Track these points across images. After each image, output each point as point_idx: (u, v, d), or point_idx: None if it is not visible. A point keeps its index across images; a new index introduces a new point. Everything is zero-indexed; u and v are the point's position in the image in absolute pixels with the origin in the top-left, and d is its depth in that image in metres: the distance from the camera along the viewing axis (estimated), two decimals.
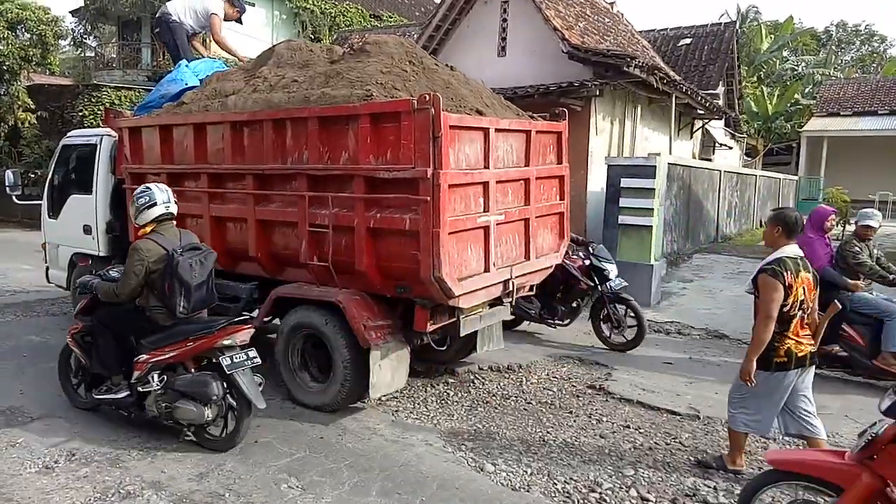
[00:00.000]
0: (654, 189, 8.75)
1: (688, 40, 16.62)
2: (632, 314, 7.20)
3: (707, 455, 4.54)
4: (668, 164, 9.71)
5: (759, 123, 28.02)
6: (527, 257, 5.42)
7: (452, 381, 6.09)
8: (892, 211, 21.25)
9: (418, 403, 5.50)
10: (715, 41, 16.40)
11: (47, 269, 8.06)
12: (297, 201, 5.01)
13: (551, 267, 5.91)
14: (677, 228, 11.33)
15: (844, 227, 15.82)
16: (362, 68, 4.95)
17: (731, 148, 20.04)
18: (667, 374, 6.47)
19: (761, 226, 18.05)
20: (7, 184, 7.66)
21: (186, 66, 6.58)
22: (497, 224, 4.93)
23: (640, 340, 7.11)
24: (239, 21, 7.90)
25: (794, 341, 3.93)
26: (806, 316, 3.97)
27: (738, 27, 17.75)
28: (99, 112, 17.23)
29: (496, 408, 5.45)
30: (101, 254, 7.06)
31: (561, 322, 7.31)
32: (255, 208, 5.29)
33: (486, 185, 4.79)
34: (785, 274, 3.82)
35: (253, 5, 21.95)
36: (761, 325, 3.88)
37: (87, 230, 7.15)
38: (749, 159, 24.67)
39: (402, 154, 4.38)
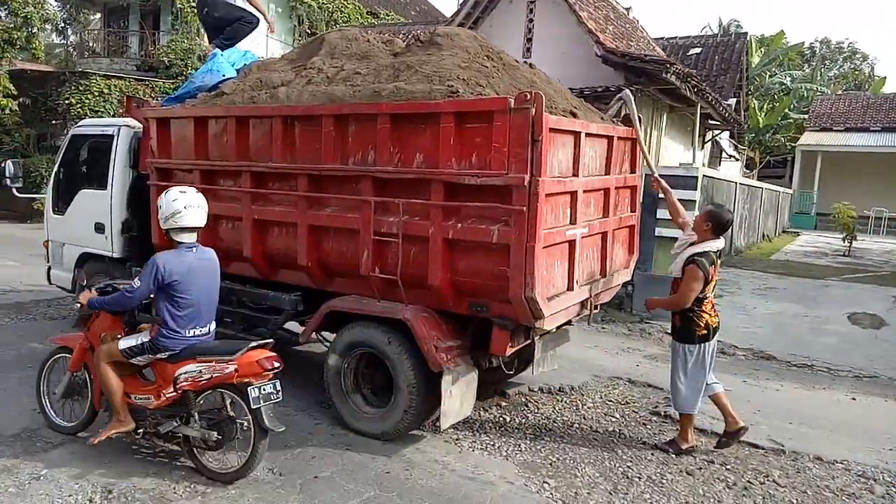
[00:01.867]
0: (694, 201, 8.41)
1: (698, 50, 16.43)
2: None
3: (660, 443, 4.83)
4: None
5: (752, 136, 28.13)
6: (603, 274, 4.99)
7: (505, 404, 5.63)
8: (889, 227, 21.37)
9: (476, 430, 5.03)
10: (726, 52, 16.22)
11: (49, 268, 7.39)
12: (359, 206, 4.50)
13: (619, 285, 5.49)
14: None
15: (851, 242, 15.79)
16: (437, 62, 4.47)
17: (737, 159, 19.95)
18: (729, 400, 6.08)
19: (766, 239, 17.97)
20: (7, 175, 7.00)
21: (221, 55, 6.01)
22: (581, 237, 4.49)
23: None
24: None
25: (708, 315, 4.61)
26: (712, 295, 4.67)
27: (748, 39, 17.58)
28: (87, 100, 16.45)
29: (563, 437, 5.01)
30: (115, 255, 6.46)
31: None
32: (308, 212, 4.77)
33: (573, 194, 4.35)
34: (709, 267, 4.49)
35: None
36: (675, 301, 4.62)
37: (99, 228, 6.53)
38: (748, 171, 24.69)
39: (493, 158, 3.91)
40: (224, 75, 5.68)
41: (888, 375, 6.90)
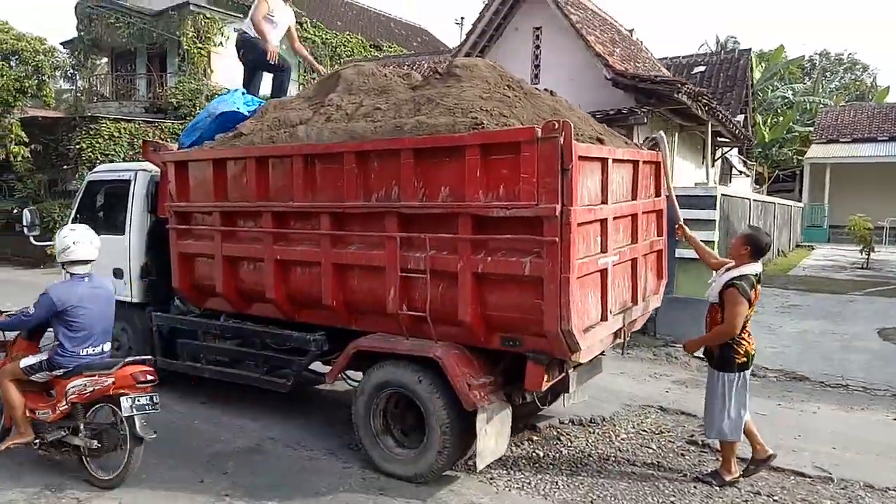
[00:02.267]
0: (713, 220, 8.31)
1: (702, 68, 16.47)
2: None
3: (702, 474, 4.67)
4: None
5: (758, 151, 28.11)
6: (634, 301, 4.88)
7: (536, 438, 5.47)
8: None
9: (510, 467, 4.87)
10: (730, 68, 16.25)
11: None
12: (384, 242, 4.42)
13: (651, 312, 5.36)
14: None
15: (869, 254, 15.61)
16: (457, 94, 4.42)
17: (747, 175, 19.88)
18: (766, 425, 5.89)
19: (781, 255, 17.78)
20: (25, 223, 6.97)
21: (244, 92, 6.01)
22: (612, 265, 4.39)
23: None
24: None
25: (747, 343, 4.51)
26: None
27: (750, 54, 17.65)
28: (97, 144, 16.58)
29: (600, 472, 4.84)
30: (135, 300, 6.38)
31: None
32: (331, 250, 4.69)
33: (603, 222, 4.26)
34: (750, 291, 4.38)
35: None
36: (725, 331, 4.42)
37: (117, 274, 6.46)
38: (758, 186, 24.60)
39: (522, 189, 3.83)
40: (238, 109, 5.67)
41: None
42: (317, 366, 5.56)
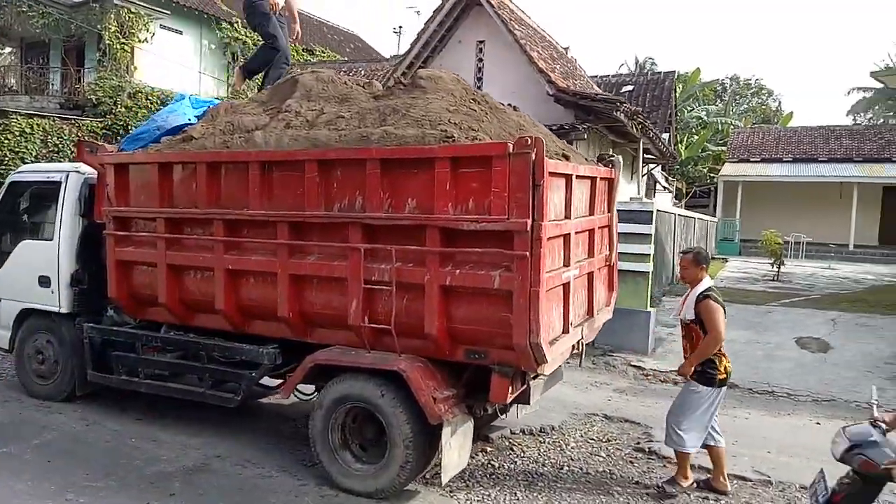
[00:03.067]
0: (649, 235, 8.65)
1: (630, 87, 17.16)
2: None
3: (659, 487, 4.72)
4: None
5: (676, 168, 29.54)
6: (590, 314, 5.00)
7: (490, 449, 5.50)
8: (807, 252, 22.71)
9: (468, 480, 4.86)
10: (656, 89, 17.02)
11: None
12: (347, 253, 4.33)
13: (603, 323, 5.51)
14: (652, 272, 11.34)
15: (780, 267, 16.67)
16: (424, 106, 4.40)
17: (669, 191, 20.82)
18: None
19: None
20: None
21: (190, 98, 5.74)
22: (573, 279, 4.48)
23: None
24: None
25: (725, 358, 4.65)
26: None
27: (675, 77, 18.56)
28: (6, 140, 15.40)
29: (555, 481, 4.91)
30: (63, 310, 5.97)
31: None
32: (290, 260, 4.55)
33: (567, 237, 4.34)
34: (720, 299, 4.57)
35: (181, 33, 20.77)
36: (713, 340, 4.51)
37: (44, 282, 6.03)
38: (677, 201, 25.83)
39: (493, 203, 3.86)
40: (189, 119, 5.42)
41: (844, 398, 7.20)
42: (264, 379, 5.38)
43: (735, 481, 4.99)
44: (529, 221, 3.77)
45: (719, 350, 4.58)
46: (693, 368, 4.59)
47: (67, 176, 6.00)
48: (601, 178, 5.09)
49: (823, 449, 5.61)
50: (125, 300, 5.52)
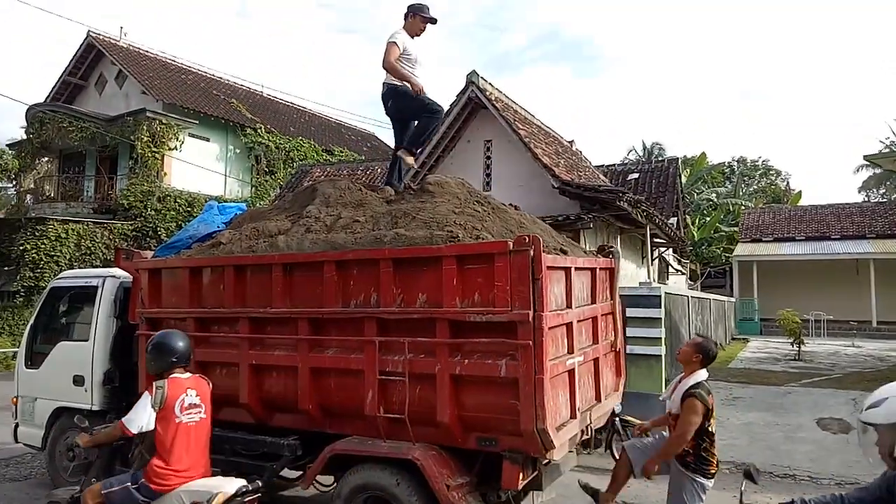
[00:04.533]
0: (659, 318, 8.84)
1: (636, 175, 17.76)
2: None
3: None
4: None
5: (689, 249, 29.86)
6: (598, 399, 5.18)
7: None
8: (828, 329, 22.49)
9: None
10: (661, 176, 17.60)
11: (16, 426, 7.02)
12: (363, 346, 4.62)
13: (612, 408, 5.66)
14: (665, 355, 11.41)
15: (800, 346, 16.54)
16: (432, 209, 4.82)
17: (682, 273, 21.02)
18: None
19: (720, 347, 18.59)
20: None
21: (218, 205, 6.27)
22: (578, 365, 4.71)
23: None
24: (432, 21, 6.24)
25: (715, 456, 4.56)
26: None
27: (679, 163, 19.23)
28: (43, 245, 16.27)
29: None
30: (95, 407, 6.26)
31: None
32: (309, 354, 4.84)
33: (570, 325, 4.61)
34: (707, 398, 4.48)
35: (208, 140, 22.09)
36: (678, 441, 4.46)
37: (78, 381, 6.36)
38: (692, 283, 25.95)
39: (497, 296, 4.17)
40: (218, 226, 5.90)
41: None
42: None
43: None
44: (531, 312, 4.06)
45: (713, 448, 4.54)
46: (657, 466, 4.55)
47: (104, 281, 6.46)
48: (601, 269, 5.41)
49: None
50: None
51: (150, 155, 19.29)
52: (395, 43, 6.00)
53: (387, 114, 6.33)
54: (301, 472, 5.40)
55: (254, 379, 5.14)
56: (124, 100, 22.24)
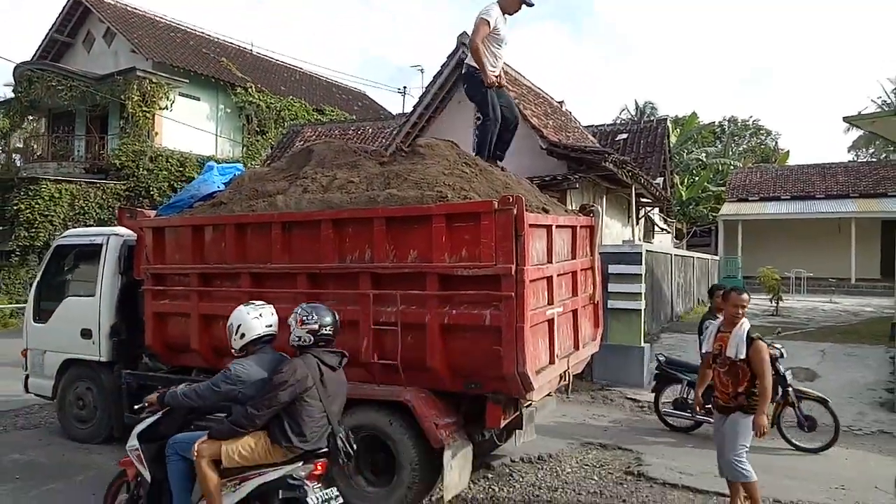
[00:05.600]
0: (640, 275, 9.26)
1: (625, 135, 18.00)
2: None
3: None
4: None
5: (677, 209, 30.26)
6: (576, 347, 5.58)
7: (491, 476, 6.01)
8: (809, 286, 23.12)
9: (469, 501, 5.39)
10: (650, 136, 17.86)
11: (27, 377, 7.40)
12: (358, 299, 4.98)
13: (589, 356, 6.08)
14: (646, 310, 11.88)
15: (778, 302, 17.11)
16: (423, 170, 5.12)
17: (668, 232, 21.46)
18: (693, 455, 6.66)
19: (700, 303, 19.14)
20: None
21: (217, 167, 6.53)
22: (558, 316, 5.10)
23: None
24: (529, 5, 6.04)
25: None
26: None
27: (667, 123, 19.46)
28: (37, 205, 16.41)
29: (550, 502, 5.41)
30: (103, 359, 6.64)
31: None
32: None
33: (550, 279, 4.98)
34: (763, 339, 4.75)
35: (198, 99, 22.02)
36: (768, 384, 4.67)
37: (85, 334, 6.72)
38: (678, 242, 26.42)
39: (482, 252, 4.51)
40: (218, 186, 6.18)
41: (827, 423, 7.63)
42: None
43: (714, 497, 5.47)
44: (514, 266, 4.42)
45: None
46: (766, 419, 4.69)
47: (108, 239, 6.75)
48: (582, 226, 5.76)
49: (800, 468, 6.14)
50: (160, 348, 6.16)
51: (140, 114, 19.29)
52: (486, 20, 5.84)
53: (466, 93, 6.36)
54: None
55: None
56: (113, 58, 22.05)
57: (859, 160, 38.37)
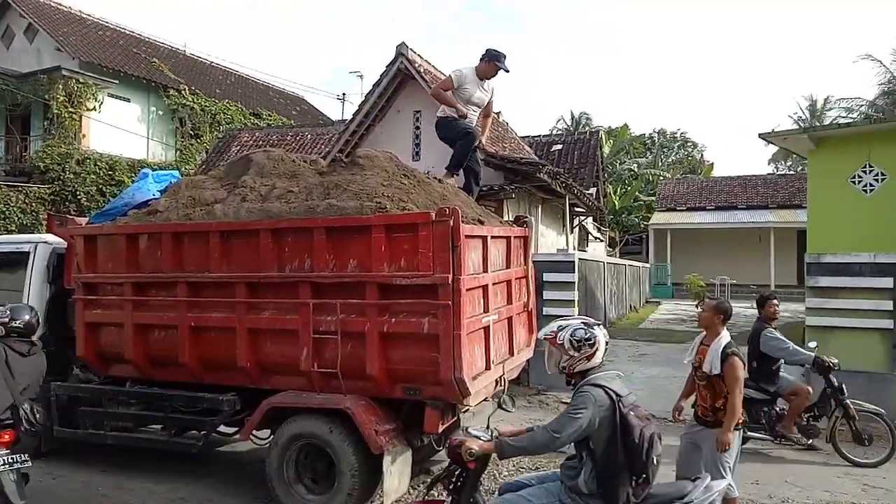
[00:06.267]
0: (573, 282, 9.61)
1: (559, 146, 18.54)
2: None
3: None
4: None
5: (610, 217, 31.31)
6: (511, 353, 5.79)
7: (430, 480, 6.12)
8: (732, 293, 24.33)
9: None
10: (583, 147, 18.47)
11: None
12: (298, 308, 5.03)
13: (524, 362, 6.31)
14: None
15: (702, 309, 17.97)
16: (362, 181, 5.23)
17: (601, 240, 22.18)
18: None
19: (633, 310, 19.92)
20: None
21: (153, 173, 6.42)
22: (493, 323, 5.29)
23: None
24: (506, 71, 6.68)
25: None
26: None
27: (600, 135, 20.18)
28: None
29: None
30: None
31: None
32: (247, 316, 5.21)
33: (485, 287, 5.17)
34: (739, 353, 4.63)
35: (128, 101, 21.32)
36: (738, 399, 4.58)
37: None
38: (611, 249, 27.33)
39: (420, 262, 4.66)
40: (153, 194, 6.09)
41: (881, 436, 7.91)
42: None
43: None
44: (450, 276, 4.58)
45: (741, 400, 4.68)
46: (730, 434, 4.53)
47: (36, 247, 6.52)
48: (516, 237, 5.99)
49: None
50: (93, 358, 6.01)
51: (66, 115, 18.52)
52: (450, 77, 6.63)
53: (438, 135, 6.87)
54: (238, 428, 5.81)
55: (193, 340, 5.46)
56: (36, 56, 21.08)
57: (778, 173, 40.66)
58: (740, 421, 4.65)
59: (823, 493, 5.93)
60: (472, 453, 3.33)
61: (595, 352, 3.43)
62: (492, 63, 6.66)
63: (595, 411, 3.18)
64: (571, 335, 3.42)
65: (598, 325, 3.58)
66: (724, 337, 4.70)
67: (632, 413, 3.23)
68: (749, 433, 6.60)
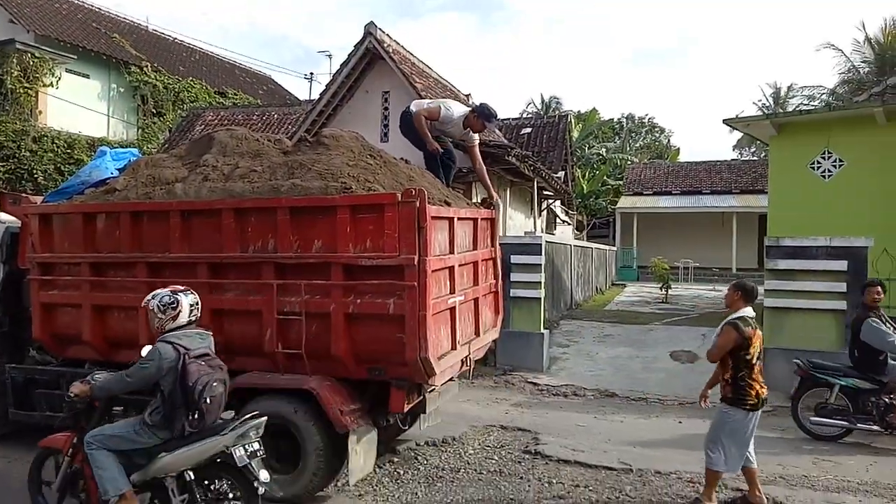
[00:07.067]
0: (540, 265, 9.69)
1: (528, 129, 18.56)
2: None
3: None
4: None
5: (578, 201, 31.59)
6: (477, 333, 5.83)
7: (397, 459, 6.17)
8: (695, 276, 24.86)
9: (375, 485, 5.53)
10: (552, 131, 18.52)
11: None
12: (261, 289, 4.98)
13: (490, 342, 6.35)
14: (546, 298, 12.42)
15: (667, 290, 18.32)
16: (327, 161, 5.17)
17: (569, 223, 22.36)
18: (584, 434, 7.12)
19: (599, 292, 20.18)
20: None
21: (111, 151, 6.24)
22: (459, 304, 5.31)
23: None
24: (488, 121, 6.92)
25: (759, 385, 4.87)
26: (759, 364, 4.94)
27: (569, 119, 20.25)
28: None
29: (452, 481, 5.66)
30: None
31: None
32: (210, 296, 5.11)
33: (451, 268, 5.18)
34: (746, 329, 4.81)
35: (87, 77, 20.64)
36: (713, 356, 5.01)
37: None
38: (579, 233, 27.60)
39: (386, 243, 4.64)
40: (111, 172, 5.93)
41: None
42: None
43: (603, 471, 5.90)
44: (416, 257, 4.57)
45: (754, 376, 4.83)
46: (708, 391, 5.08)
47: None
48: (483, 219, 6.00)
49: (682, 442, 6.71)
50: (49, 340, 5.87)
51: (22, 91, 17.81)
52: (439, 109, 6.60)
53: (400, 129, 6.84)
54: None
55: None
56: None
57: (742, 158, 41.39)
58: (750, 401, 4.80)
59: None
60: (71, 394, 4.15)
61: (178, 313, 4.09)
62: (481, 121, 6.75)
63: (160, 363, 3.90)
64: (159, 301, 4.09)
65: (186, 291, 4.19)
66: (741, 312, 4.91)
67: (196, 363, 3.96)
68: (858, 424, 6.58)
